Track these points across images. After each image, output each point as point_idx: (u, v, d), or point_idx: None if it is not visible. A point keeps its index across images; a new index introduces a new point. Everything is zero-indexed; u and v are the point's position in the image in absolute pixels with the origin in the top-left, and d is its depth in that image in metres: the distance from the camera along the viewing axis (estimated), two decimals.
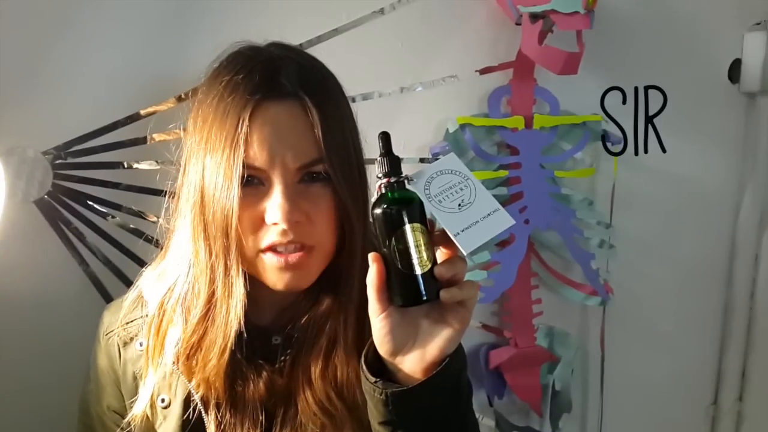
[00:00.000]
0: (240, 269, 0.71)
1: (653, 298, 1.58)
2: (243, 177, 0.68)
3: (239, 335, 0.74)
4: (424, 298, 0.64)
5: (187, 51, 1.10)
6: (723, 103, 1.57)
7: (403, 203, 0.65)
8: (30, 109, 1.04)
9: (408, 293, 0.65)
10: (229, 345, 0.73)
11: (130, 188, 1.10)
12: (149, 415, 0.80)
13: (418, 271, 0.64)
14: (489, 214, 0.66)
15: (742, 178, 1.61)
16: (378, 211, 0.65)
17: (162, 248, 0.84)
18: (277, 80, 0.70)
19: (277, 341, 0.80)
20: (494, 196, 1.26)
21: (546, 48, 1.22)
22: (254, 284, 0.74)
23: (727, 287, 1.66)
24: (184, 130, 0.77)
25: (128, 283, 1.09)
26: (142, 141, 1.09)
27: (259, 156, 0.68)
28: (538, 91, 1.32)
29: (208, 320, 0.75)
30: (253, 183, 0.70)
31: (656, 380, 1.63)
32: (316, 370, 0.76)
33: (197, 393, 0.76)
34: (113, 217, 1.10)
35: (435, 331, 0.66)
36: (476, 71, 1.30)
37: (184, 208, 0.75)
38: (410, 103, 1.27)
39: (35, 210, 1.06)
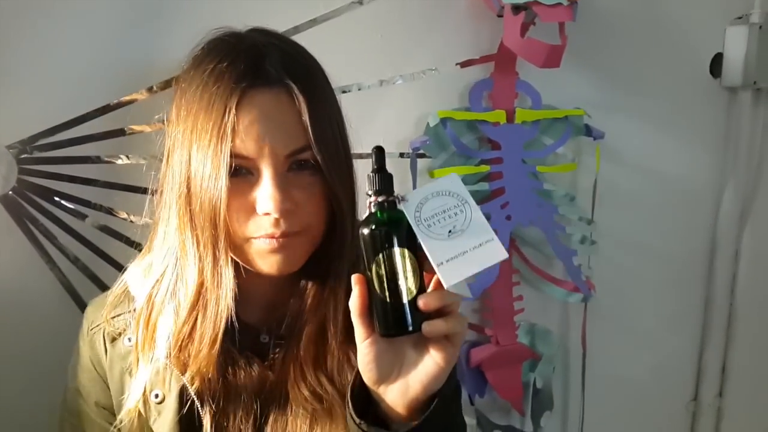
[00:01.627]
0: (228, 259, 0.70)
1: (635, 295, 1.57)
2: (231, 167, 0.66)
3: (230, 327, 0.73)
4: (410, 329, 0.60)
5: (160, 39, 1.06)
6: (705, 97, 1.57)
7: (392, 225, 0.62)
8: None
9: (390, 322, 0.61)
10: (219, 335, 0.72)
11: (99, 184, 1.06)
12: (142, 411, 0.77)
13: (404, 299, 0.60)
14: (480, 245, 0.60)
15: (723, 173, 1.61)
16: (365, 231, 0.62)
17: (147, 242, 0.81)
18: (263, 67, 0.68)
19: (266, 339, 0.79)
20: (475, 191, 1.27)
21: (528, 40, 1.20)
22: (242, 279, 0.73)
23: (707, 283, 1.66)
24: (167, 120, 0.75)
25: (99, 284, 1.07)
26: (114, 134, 1.05)
27: (247, 145, 0.67)
28: (520, 84, 1.30)
29: (198, 310, 0.73)
30: (242, 173, 0.69)
31: (637, 377, 1.62)
32: (307, 357, 0.75)
33: (192, 386, 0.74)
34: (86, 216, 1.06)
35: (420, 364, 0.63)
36: (457, 64, 1.28)
37: (168, 199, 0.74)
38: (390, 97, 1.24)
39: (0, 207, 1.02)
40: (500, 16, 1.22)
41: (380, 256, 0.61)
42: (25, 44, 1.00)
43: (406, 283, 0.60)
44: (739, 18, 1.53)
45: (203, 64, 0.70)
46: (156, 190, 0.77)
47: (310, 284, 0.77)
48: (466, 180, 1.27)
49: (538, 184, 1.31)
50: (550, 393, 1.44)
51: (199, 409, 0.75)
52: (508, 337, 1.35)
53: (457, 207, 0.62)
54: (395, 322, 0.61)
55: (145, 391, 0.77)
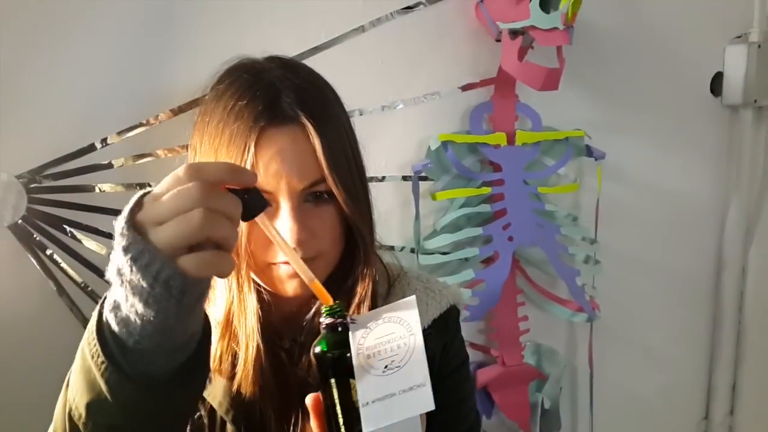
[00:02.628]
0: (252, 286, 0.74)
1: (641, 313, 1.57)
2: None
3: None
4: None
5: (164, 72, 1.09)
6: (706, 116, 1.58)
7: (340, 353, 0.58)
8: (2, 131, 1.02)
9: None
10: (250, 356, 0.74)
11: (107, 211, 1.08)
12: None
13: None
14: (411, 389, 0.55)
15: (726, 191, 1.61)
16: (315, 352, 0.60)
17: None
18: (279, 106, 0.72)
19: (286, 345, 0.81)
20: (477, 213, 1.28)
21: (526, 64, 1.22)
22: (268, 295, 0.76)
23: (715, 300, 1.65)
24: (190, 147, 0.79)
25: None
26: (119, 163, 1.07)
27: (265, 180, 0.70)
28: (520, 107, 1.32)
29: (228, 330, 0.76)
30: None
31: (647, 396, 1.61)
32: None
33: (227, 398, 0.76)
34: (95, 246, 1.08)
35: None
36: (459, 88, 1.30)
37: None
38: (392, 121, 1.26)
39: (10, 235, 1.04)
40: (499, 40, 1.25)
41: (324, 385, 0.58)
42: (32, 77, 1.03)
43: (347, 417, 0.57)
44: (738, 37, 1.55)
45: (224, 99, 0.74)
46: None
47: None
48: (469, 201, 1.29)
49: (540, 205, 1.32)
50: (558, 413, 1.43)
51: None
52: (514, 357, 1.35)
53: (403, 338, 0.58)
54: None
55: None
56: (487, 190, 1.28)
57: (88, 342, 0.57)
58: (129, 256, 0.52)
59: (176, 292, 0.52)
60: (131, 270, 0.52)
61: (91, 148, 1.06)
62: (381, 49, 1.24)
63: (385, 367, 0.56)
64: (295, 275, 0.72)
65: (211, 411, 0.78)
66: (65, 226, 1.06)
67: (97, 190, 1.08)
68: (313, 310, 0.79)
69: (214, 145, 0.73)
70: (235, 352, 0.76)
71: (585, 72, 1.40)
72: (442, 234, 1.27)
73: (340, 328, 0.60)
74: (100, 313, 0.57)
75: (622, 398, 1.57)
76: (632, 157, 1.50)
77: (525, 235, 1.29)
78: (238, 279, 0.74)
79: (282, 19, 1.16)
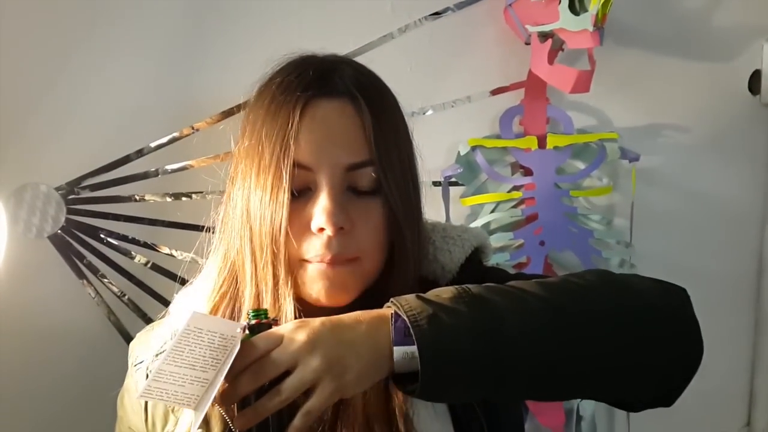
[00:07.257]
0: (289, 281, 0.67)
1: None
2: (293, 176, 0.65)
3: None
4: None
5: (197, 83, 1.12)
6: (744, 115, 1.54)
7: None
8: (41, 144, 1.06)
9: None
10: None
11: (143, 221, 1.11)
12: None
13: None
14: None
15: (767, 191, 1.57)
16: None
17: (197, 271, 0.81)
18: (331, 78, 0.68)
19: None
20: (508, 218, 1.27)
21: (556, 67, 1.20)
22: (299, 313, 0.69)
23: (756, 305, 1.61)
24: (235, 142, 0.75)
25: (144, 318, 1.11)
26: (153, 174, 1.10)
27: (307, 154, 0.65)
28: (551, 110, 1.31)
29: None
30: (300, 194, 0.67)
31: (685, 403, 1.54)
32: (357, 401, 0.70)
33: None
34: (130, 252, 1.10)
35: None
36: (490, 92, 1.29)
37: (231, 223, 0.72)
38: (421, 127, 1.24)
39: (49, 245, 1.07)
40: (528, 43, 1.24)
41: None
42: (70, 91, 1.06)
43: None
44: None
45: (274, 78, 0.70)
46: (212, 227, 0.76)
47: None
48: (499, 206, 1.28)
49: (572, 209, 1.31)
50: (594, 421, 1.41)
51: None
52: None
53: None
54: None
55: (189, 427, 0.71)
56: (517, 195, 1.28)
57: None
58: None
59: None
60: None
61: (127, 159, 1.09)
62: (410, 56, 1.24)
63: None
64: (326, 276, 0.67)
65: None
66: (102, 236, 1.09)
67: (132, 200, 1.10)
68: None
69: (259, 123, 0.68)
70: None
71: (617, 73, 1.38)
72: None
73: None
74: None
75: None
76: (668, 158, 1.47)
77: (557, 240, 1.28)
78: (274, 271, 0.68)
79: (310, 27, 1.17)
